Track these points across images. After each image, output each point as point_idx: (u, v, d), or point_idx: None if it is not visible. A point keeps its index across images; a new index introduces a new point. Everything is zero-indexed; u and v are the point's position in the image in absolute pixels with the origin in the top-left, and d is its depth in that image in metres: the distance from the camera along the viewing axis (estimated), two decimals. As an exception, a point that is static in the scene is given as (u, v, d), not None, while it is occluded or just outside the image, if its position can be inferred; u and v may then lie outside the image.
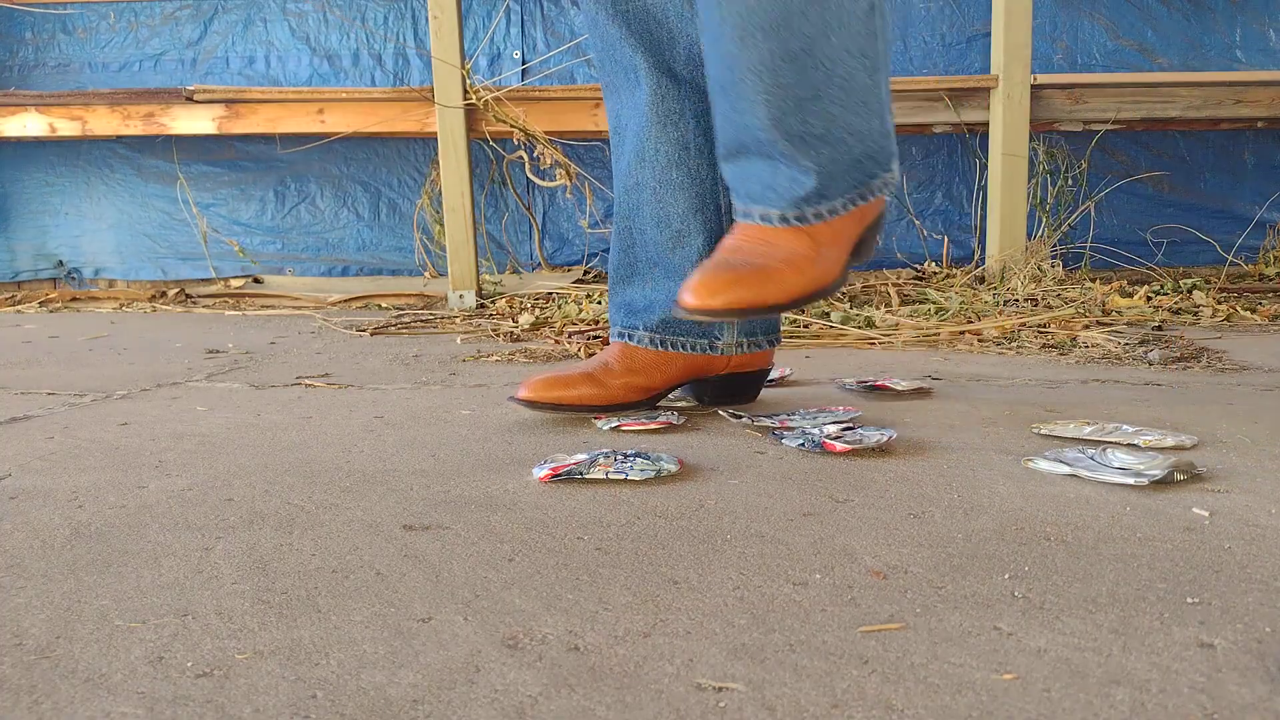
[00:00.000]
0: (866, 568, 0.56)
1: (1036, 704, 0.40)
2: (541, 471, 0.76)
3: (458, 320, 2.07)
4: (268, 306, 2.52)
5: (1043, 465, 0.77)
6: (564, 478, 0.76)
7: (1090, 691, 0.41)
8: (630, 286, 1.04)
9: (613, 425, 0.95)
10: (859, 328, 1.73)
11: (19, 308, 2.56)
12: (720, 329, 1.04)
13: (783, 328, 1.73)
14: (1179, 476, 0.72)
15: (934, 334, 1.65)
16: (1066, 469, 0.75)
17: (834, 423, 0.92)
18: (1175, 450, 0.83)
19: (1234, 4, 2.54)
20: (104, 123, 2.43)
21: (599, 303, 2.12)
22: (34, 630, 0.49)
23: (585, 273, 2.65)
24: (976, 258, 2.55)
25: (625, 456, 0.79)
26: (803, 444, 0.85)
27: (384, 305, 2.48)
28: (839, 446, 0.82)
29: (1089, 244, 2.52)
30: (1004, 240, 2.28)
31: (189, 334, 1.91)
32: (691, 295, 0.82)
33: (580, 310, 2.02)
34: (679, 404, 1.08)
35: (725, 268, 0.84)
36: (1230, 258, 2.48)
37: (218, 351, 1.63)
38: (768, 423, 0.95)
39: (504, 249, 2.74)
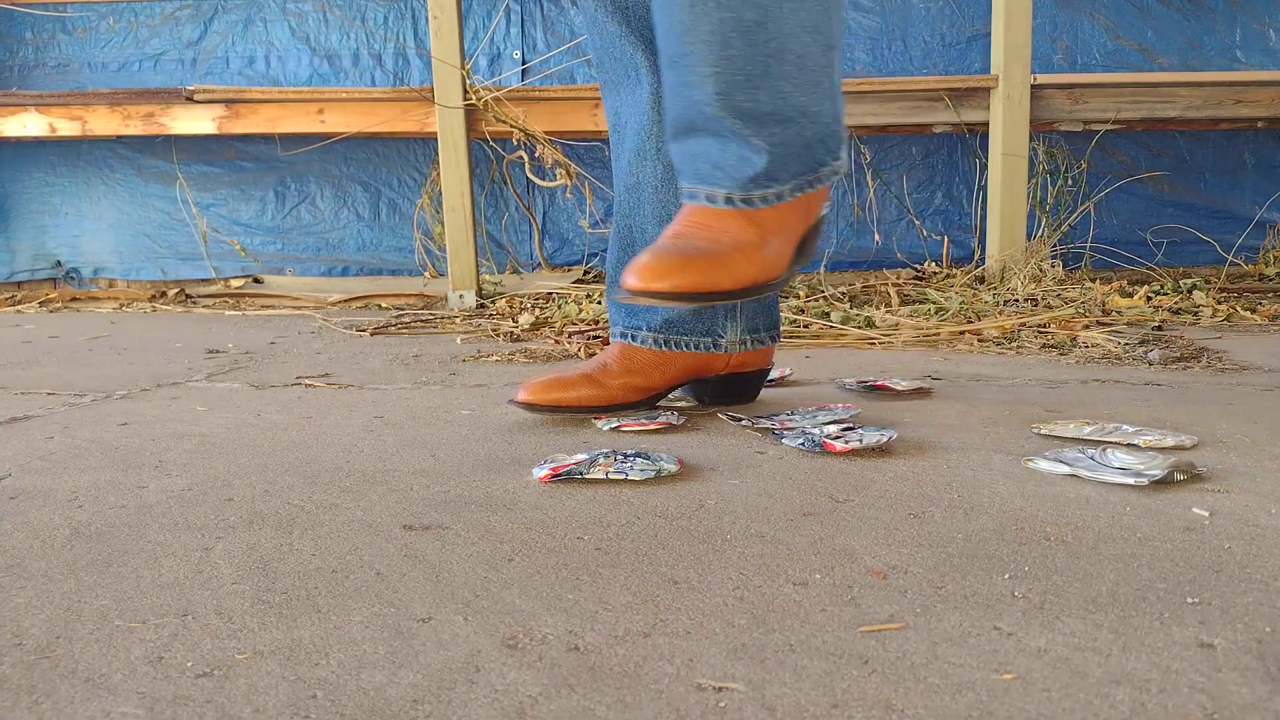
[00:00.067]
0: (866, 568, 0.56)
1: (1036, 704, 0.40)
2: (541, 471, 0.76)
3: (458, 320, 2.07)
4: (268, 306, 2.52)
5: (1043, 465, 0.77)
6: (564, 478, 0.76)
7: (1090, 691, 0.41)
8: None
9: (613, 425, 0.95)
10: (859, 328, 1.73)
11: (19, 308, 2.56)
12: (724, 326, 1.03)
13: (783, 328, 1.73)
14: (1179, 476, 0.72)
15: (934, 334, 1.65)
16: (1066, 469, 0.75)
17: (834, 423, 0.92)
18: (1175, 450, 0.83)
19: (1234, 4, 2.54)
20: (104, 123, 2.43)
21: (599, 303, 2.12)
22: (34, 630, 0.49)
23: (585, 273, 2.65)
24: (976, 258, 2.55)
25: (625, 456, 0.79)
26: (803, 444, 0.85)
27: (384, 305, 2.48)
28: (839, 446, 0.82)
29: (1089, 244, 2.52)
30: (1004, 240, 2.28)
31: (189, 334, 1.91)
32: (636, 277, 0.80)
33: (580, 310, 2.02)
34: (679, 404, 1.08)
35: (673, 251, 0.82)
36: (1230, 258, 2.48)
37: (218, 351, 1.63)
38: (768, 423, 0.95)
39: (504, 249, 2.74)
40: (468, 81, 2.30)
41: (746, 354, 1.05)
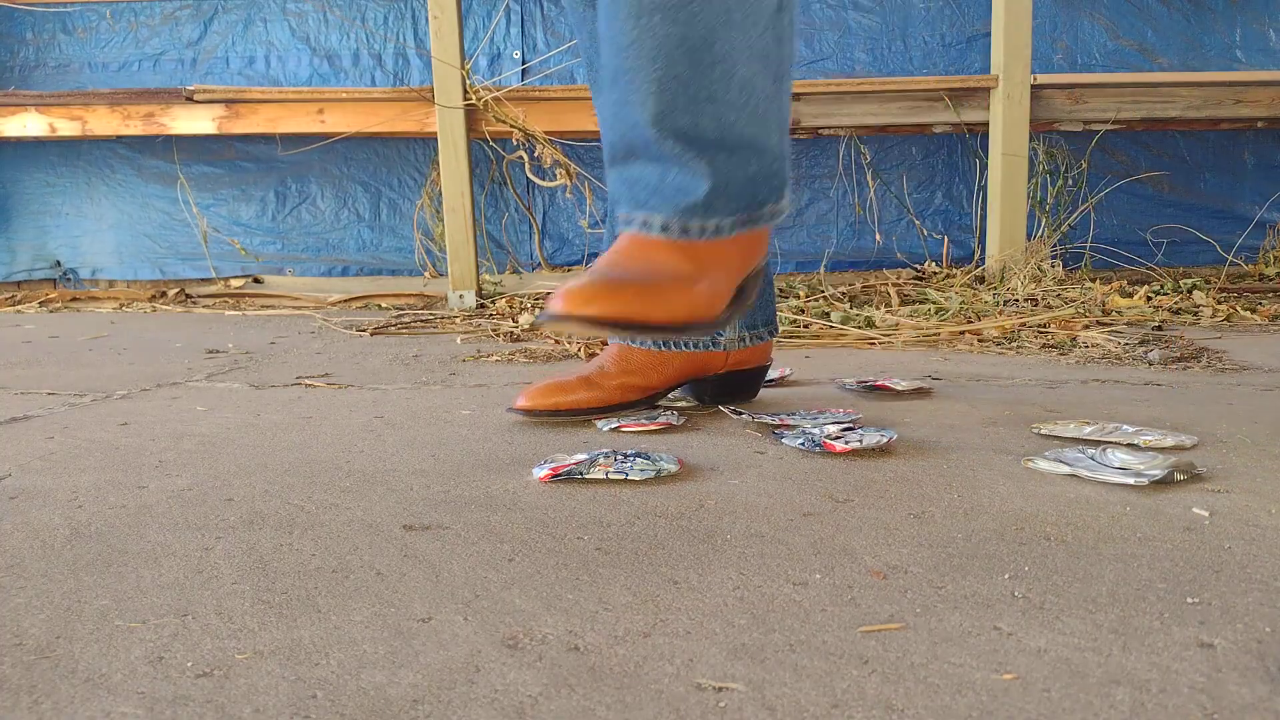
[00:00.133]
0: (866, 568, 0.56)
1: (1036, 704, 0.40)
2: (541, 471, 0.76)
3: (458, 320, 2.07)
4: (268, 306, 2.52)
5: (1043, 465, 0.77)
6: (564, 478, 0.76)
7: (1090, 691, 0.41)
8: None
9: (612, 426, 0.95)
10: (859, 328, 1.73)
11: (19, 308, 2.56)
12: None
13: (783, 328, 1.73)
14: (1179, 476, 0.72)
15: (934, 334, 1.65)
16: (1066, 469, 0.75)
17: (834, 423, 0.92)
18: (1175, 450, 0.83)
19: (1234, 4, 2.54)
20: (104, 123, 2.43)
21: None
22: (34, 630, 0.49)
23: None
24: (976, 258, 2.55)
25: (625, 456, 0.79)
26: (803, 444, 0.85)
27: (384, 305, 2.48)
28: (839, 446, 0.82)
29: (1089, 244, 2.52)
30: (1004, 240, 2.28)
31: (189, 334, 1.91)
32: (563, 301, 0.73)
33: (580, 310, 2.01)
34: (679, 404, 1.08)
35: (604, 278, 0.76)
36: (1230, 258, 2.48)
37: (218, 351, 1.63)
38: (768, 422, 0.95)
39: (504, 249, 2.74)
40: (468, 81, 2.30)
41: (745, 351, 1.05)
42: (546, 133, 2.32)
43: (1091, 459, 0.77)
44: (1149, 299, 2.02)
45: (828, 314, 1.84)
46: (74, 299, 2.69)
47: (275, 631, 0.48)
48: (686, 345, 1.02)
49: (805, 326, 1.75)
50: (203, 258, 2.79)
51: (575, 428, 0.97)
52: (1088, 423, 0.91)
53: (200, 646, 0.47)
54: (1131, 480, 0.71)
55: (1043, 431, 0.90)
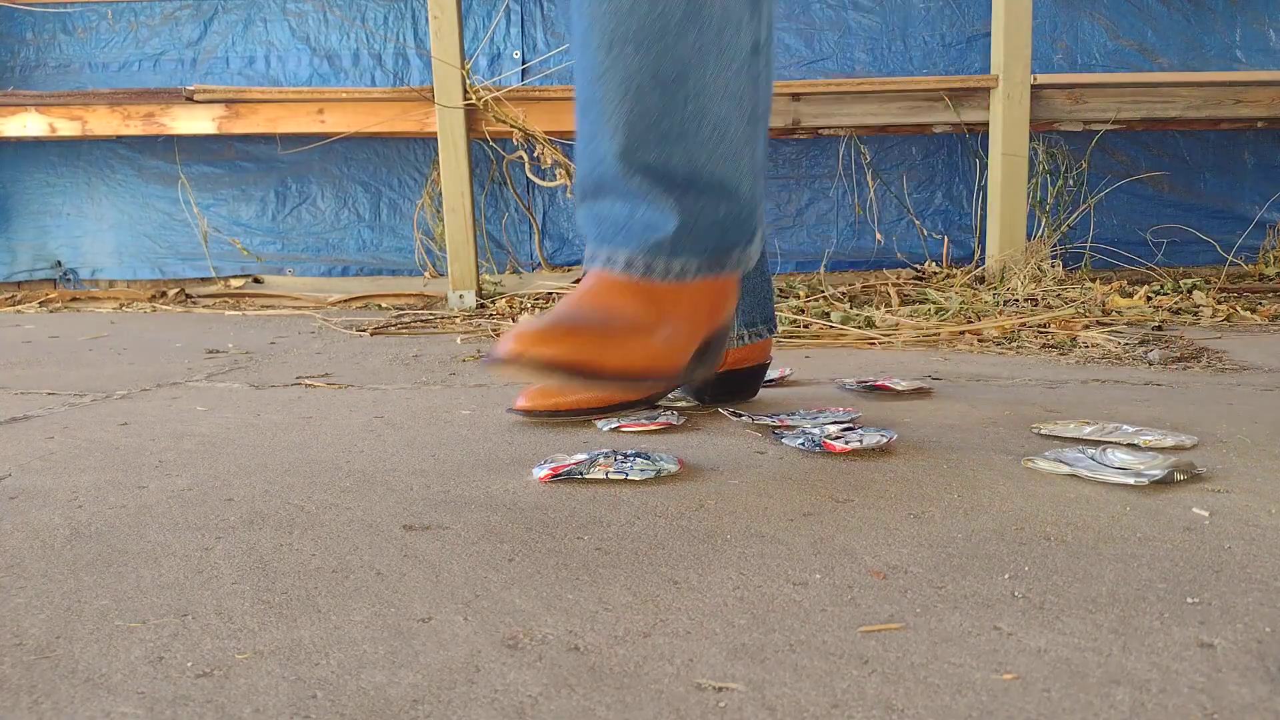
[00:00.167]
0: (866, 568, 0.56)
1: (1036, 704, 0.40)
2: (541, 471, 0.76)
3: (458, 320, 2.07)
4: (268, 306, 2.52)
5: (1043, 465, 0.77)
6: (564, 478, 0.76)
7: (1090, 691, 0.41)
8: None
9: (612, 426, 0.95)
10: (859, 328, 1.73)
11: (19, 308, 2.56)
12: None
13: (783, 328, 1.73)
14: (1179, 476, 0.72)
15: (934, 334, 1.65)
16: (1066, 469, 0.75)
17: (834, 423, 0.92)
18: (1175, 450, 0.83)
19: (1234, 4, 2.54)
20: (104, 123, 2.43)
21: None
22: (34, 630, 0.49)
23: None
24: (976, 258, 2.55)
25: (625, 456, 0.79)
26: (803, 444, 0.85)
27: (384, 305, 2.48)
28: (839, 446, 0.82)
29: (1089, 244, 2.52)
30: (1004, 240, 2.28)
31: (189, 334, 1.91)
32: (514, 341, 0.70)
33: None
34: (679, 404, 1.08)
35: (560, 319, 0.73)
36: (1230, 258, 2.48)
37: (218, 351, 1.63)
38: (768, 422, 0.95)
39: (504, 249, 2.74)
40: (468, 81, 2.30)
41: (744, 349, 1.05)
42: (546, 133, 2.32)
43: (1091, 459, 0.77)
44: (1149, 299, 2.02)
45: (828, 314, 1.84)
46: (74, 299, 2.69)
47: (275, 631, 0.48)
48: None
49: (805, 326, 1.75)
50: (203, 258, 2.79)
51: (575, 428, 0.97)
52: (1088, 423, 0.91)
53: (200, 646, 0.47)
54: (1131, 480, 0.71)
55: (1043, 431, 0.90)
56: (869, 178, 2.62)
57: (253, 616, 0.50)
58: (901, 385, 1.14)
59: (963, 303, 1.91)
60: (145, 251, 2.82)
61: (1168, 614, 0.49)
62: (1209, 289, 2.18)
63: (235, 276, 2.77)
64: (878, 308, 1.95)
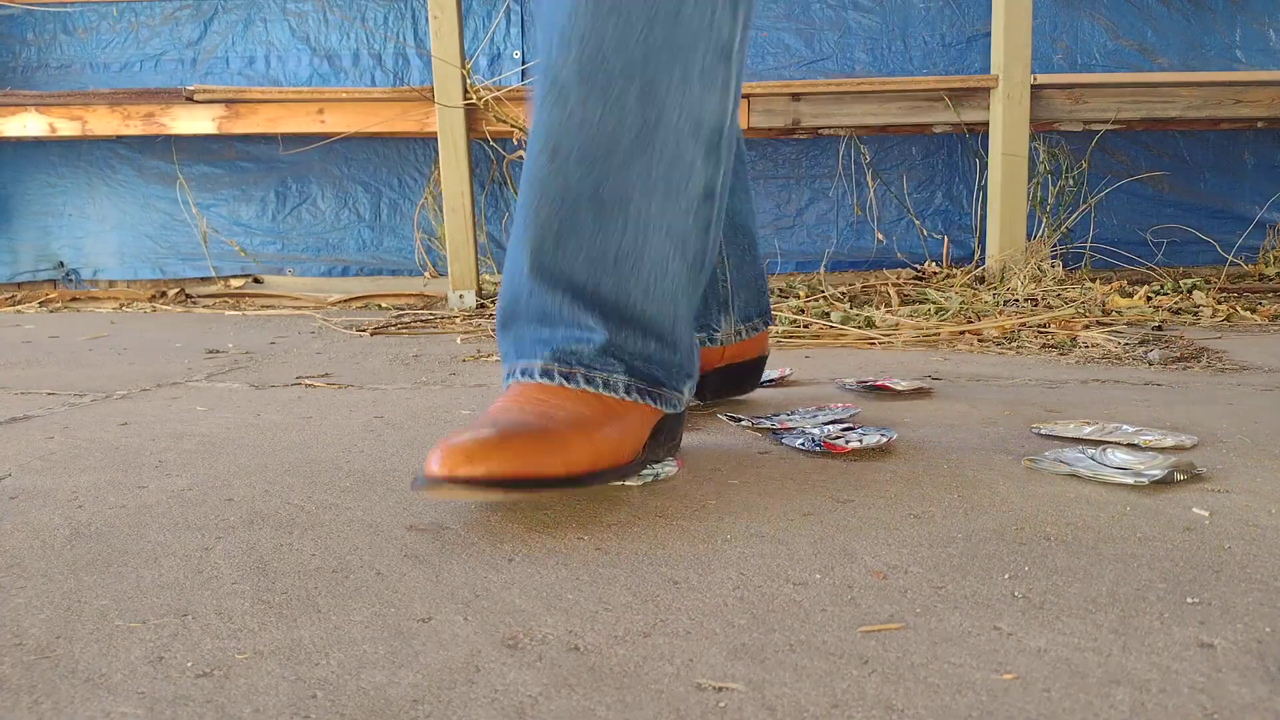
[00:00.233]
0: (866, 568, 0.56)
1: (1036, 704, 0.40)
2: (541, 471, 0.76)
3: (458, 320, 2.07)
4: (268, 306, 2.52)
5: (1043, 465, 0.77)
6: (564, 478, 0.76)
7: (1090, 691, 0.41)
8: None
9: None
10: (859, 328, 1.73)
11: (19, 308, 2.56)
12: (717, 320, 1.01)
13: (782, 328, 1.73)
14: (1179, 476, 0.72)
15: (934, 334, 1.65)
16: (1066, 469, 0.75)
17: (834, 422, 0.92)
18: (1175, 450, 0.83)
19: (1234, 4, 2.54)
20: (104, 123, 2.43)
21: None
22: (34, 630, 0.49)
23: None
24: (976, 258, 2.55)
25: (625, 456, 0.79)
26: (803, 444, 0.85)
27: (384, 305, 2.48)
28: (839, 446, 0.82)
29: (1089, 244, 2.52)
30: (1004, 240, 2.28)
31: (189, 334, 1.91)
32: (440, 463, 0.61)
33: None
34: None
35: (490, 427, 0.64)
36: (1230, 258, 2.48)
37: (218, 351, 1.63)
38: (768, 423, 0.95)
39: (504, 249, 2.74)
40: (468, 81, 2.30)
41: (741, 344, 1.04)
42: (546, 133, 2.31)
43: (1091, 459, 0.77)
44: (1149, 299, 2.02)
45: (828, 314, 1.84)
46: (74, 299, 2.69)
47: (275, 631, 0.48)
48: None
49: (805, 326, 1.75)
50: (204, 258, 2.79)
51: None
52: (1088, 423, 0.91)
53: (200, 646, 0.47)
54: (1131, 480, 0.71)
55: (1043, 431, 0.90)
56: (869, 178, 2.62)
57: (253, 616, 0.50)
58: (901, 385, 1.14)
59: (963, 303, 1.92)
60: (147, 252, 2.82)
61: (1168, 614, 0.49)
62: (1209, 289, 2.18)
63: (235, 276, 2.77)
64: (878, 308, 1.95)
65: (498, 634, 0.48)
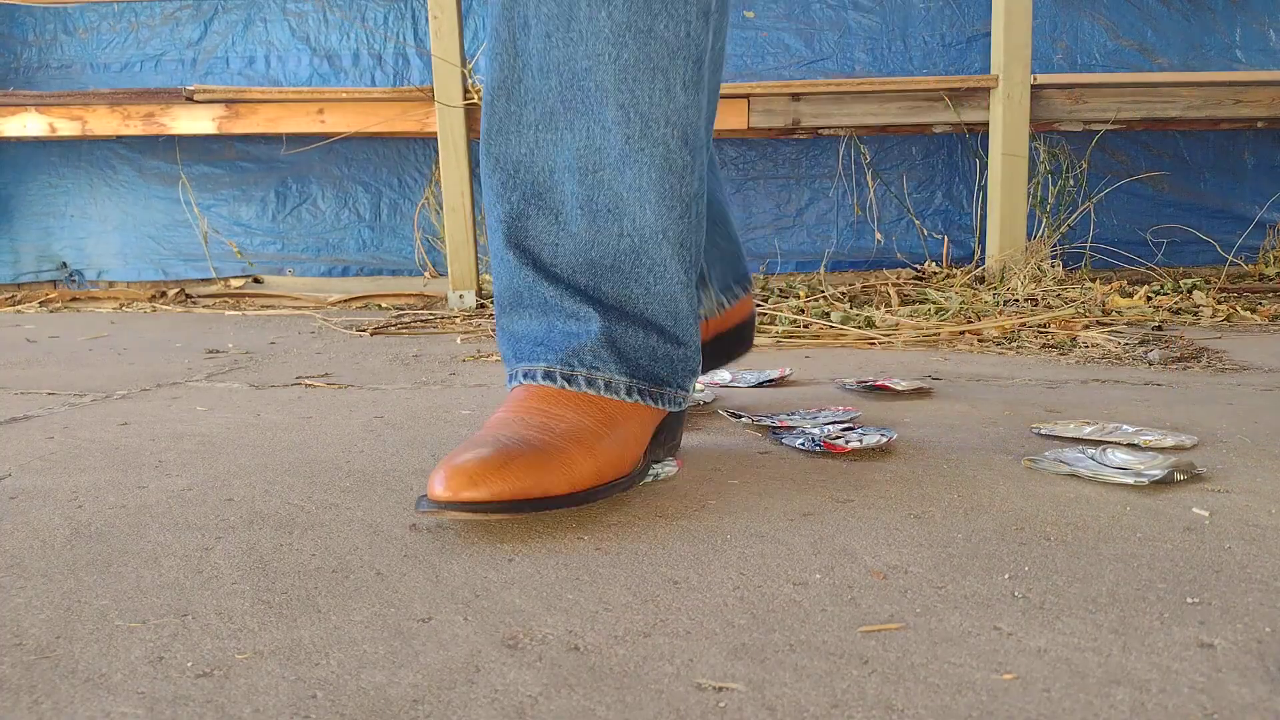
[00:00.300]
0: (866, 568, 0.56)
1: (1036, 704, 0.40)
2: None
3: (458, 320, 2.07)
4: (268, 306, 2.52)
5: (1043, 465, 0.77)
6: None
7: (1090, 691, 0.41)
8: None
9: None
10: (859, 328, 1.73)
11: (19, 308, 2.56)
12: (698, 296, 0.99)
13: (782, 328, 1.73)
14: (1179, 476, 0.72)
15: (934, 334, 1.65)
16: (1066, 469, 0.75)
17: (834, 422, 0.92)
18: (1175, 450, 0.83)
19: (1234, 4, 2.54)
20: (104, 123, 2.43)
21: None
22: (34, 630, 0.49)
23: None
24: (976, 258, 2.55)
25: (625, 456, 0.79)
26: (803, 444, 0.85)
27: (384, 305, 2.48)
28: (839, 446, 0.82)
29: (1089, 244, 2.52)
30: (1004, 240, 2.28)
31: (189, 334, 1.91)
32: (445, 485, 0.61)
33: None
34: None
35: (492, 447, 0.64)
36: (1230, 258, 2.48)
37: (218, 351, 1.63)
38: (768, 422, 0.95)
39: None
40: (468, 81, 2.30)
41: (725, 314, 1.02)
42: (546, 133, 2.31)
43: (1091, 459, 0.77)
44: (1149, 299, 2.02)
45: (828, 314, 1.84)
46: (74, 299, 2.69)
47: (275, 631, 0.48)
48: None
49: (805, 326, 1.75)
50: (204, 258, 2.79)
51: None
52: (1088, 423, 0.91)
53: (200, 646, 0.47)
54: (1131, 480, 0.71)
55: (1043, 431, 0.90)
56: (869, 178, 2.62)
57: (253, 616, 0.50)
58: (901, 385, 1.14)
59: (963, 303, 1.92)
60: (149, 253, 2.83)
61: (1168, 614, 0.49)
62: (1209, 289, 2.18)
63: (235, 276, 2.78)
64: (878, 308, 1.95)
65: (498, 634, 0.48)
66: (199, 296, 2.68)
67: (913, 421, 0.97)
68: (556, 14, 0.69)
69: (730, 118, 2.29)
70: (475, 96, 2.29)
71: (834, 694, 0.41)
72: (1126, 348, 1.48)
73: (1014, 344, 1.55)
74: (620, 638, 0.47)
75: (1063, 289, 2.06)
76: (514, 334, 0.75)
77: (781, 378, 1.25)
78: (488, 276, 2.52)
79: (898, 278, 2.44)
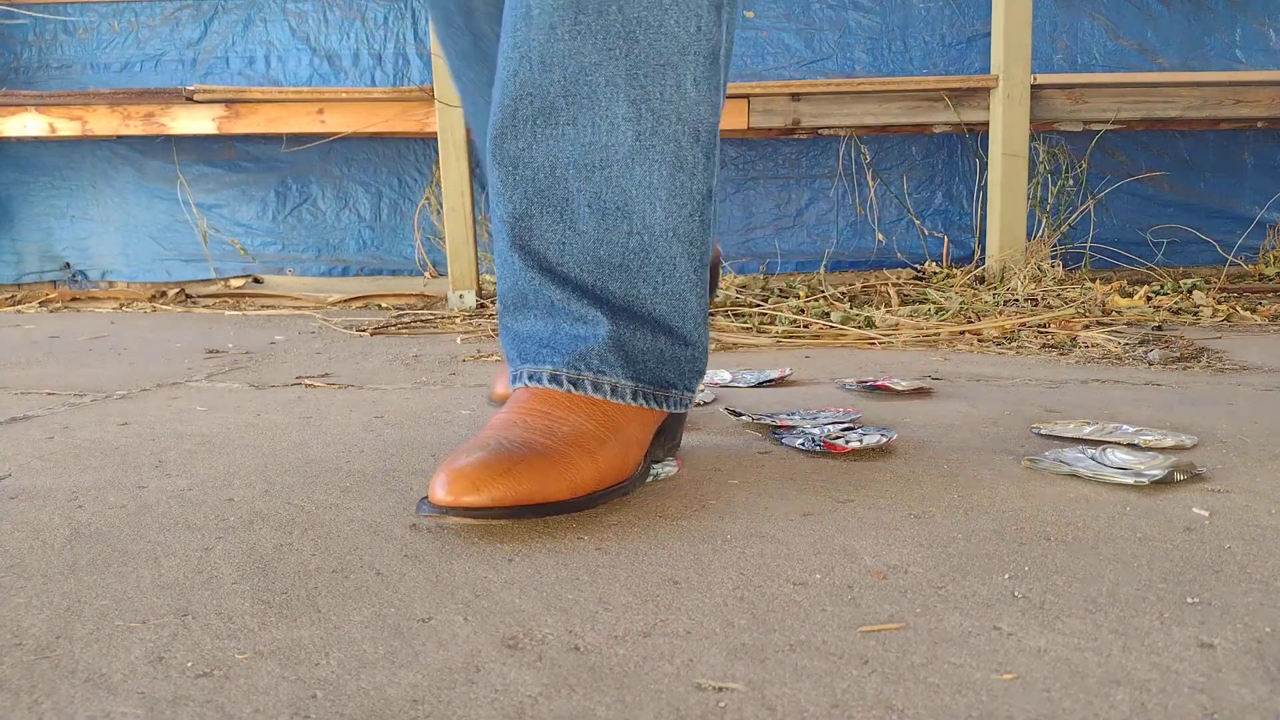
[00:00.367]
0: (866, 568, 0.56)
1: (1036, 704, 0.40)
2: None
3: (458, 320, 2.07)
4: (268, 306, 2.52)
5: (1043, 465, 0.77)
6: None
7: (1090, 691, 0.41)
8: None
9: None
10: (859, 328, 1.73)
11: (19, 308, 2.56)
12: None
13: (782, 328, 1.73)
14: (1179, 476, 0.72)
15: (934, 334, 1.65)
16: (1066, 469, 0.75)
17: (834, 423, 0.92)
18: (1175, 450, 0.83)
19: (1234, 4, 2.54)
20: (104, 123, 2.43)
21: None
22: (34, 630, 0.49)
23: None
24: (976, 258, 2.55)
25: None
26: (804, 444, 0.85)
27: (384, 305, 2.48)
28: (839, 446, 0.82)
29: (1089, 244, 2.52)
30: (1004, 240, 2.28)
31: (189, 334, 1.91)
32: (445, 489, 0.61)
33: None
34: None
35: (495, 451, 0.64)
36: (1230, 258, 2.48)
37: (218, 351, 1.63)
38: (768, 422, 0.95)
39: (504, 249, 2.73)
40: (468, 81, 2.30)
41: None
42: (546, 133, 2.31)
43: (1091, 459, 0.77)
44: (1149, 299, 2.02)
45: (828, 314, 1.84)
46: (74, 299, 2.69)
47: (275, 631, 0.48)
48: None
49: (805, 326, 1.75)
50: (206, 258, 2.79)
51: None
52: (1088, 423, 0.91)
53: (200, 646, 0.47)
54: (1131, 480, 0.71)
55: (1043, 431, 0.90)
56: (869, 178, 2.62)
57: (253, 616, 0.50)
58: (901, 385, 1.14)
59: (963, 303, 1.92)
60: (151, 253, 2.82)
61: (1168, 614, 0.49)
62: (1209, 289, 2.18)
63: (235, 276, 2.78)
64: (878, 308, 1.95)
65: (498, 634, 0.48)
66: (199, 296, 2.68)
67: (913, 421, 0.97)
68: (563, 5, 0.67)
69: (730, 118, 2.29)
70: (475, 96, 2.28)
71: (834, 694, 0.41)
72: (1126, 348, 1.48)
73: (1014, 344, 1.55)
74: (620, 638, 0.47)
75: (1063, 289, 2.06)
76: (518, 334, 0.74)
77: (781, 378, 1.25)
78: (488, 276, 2.52)
79: (898, 278, 2.44)
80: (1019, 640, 0.46)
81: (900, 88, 2.31)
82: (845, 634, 0.47)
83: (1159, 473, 0.72)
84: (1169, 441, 0.84)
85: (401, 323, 2.02)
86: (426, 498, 0.63)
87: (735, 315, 1.89)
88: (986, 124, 2.33)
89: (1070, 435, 0.88)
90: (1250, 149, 2.60)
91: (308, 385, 1.26)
